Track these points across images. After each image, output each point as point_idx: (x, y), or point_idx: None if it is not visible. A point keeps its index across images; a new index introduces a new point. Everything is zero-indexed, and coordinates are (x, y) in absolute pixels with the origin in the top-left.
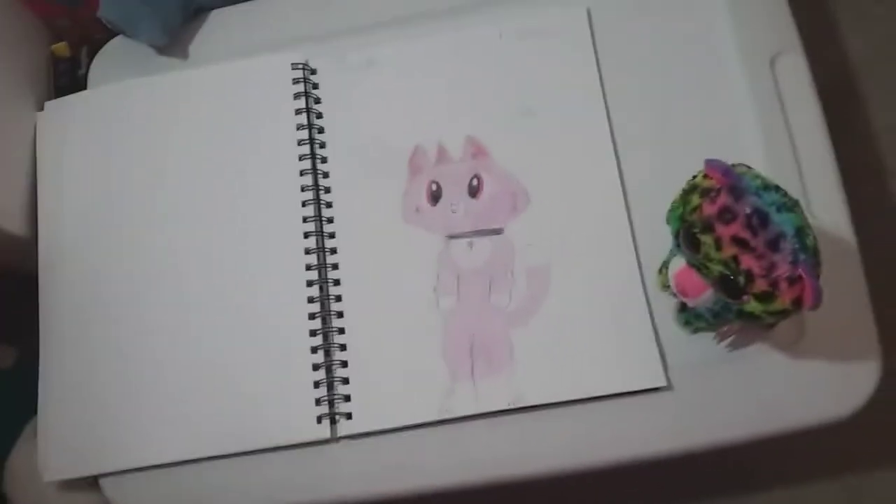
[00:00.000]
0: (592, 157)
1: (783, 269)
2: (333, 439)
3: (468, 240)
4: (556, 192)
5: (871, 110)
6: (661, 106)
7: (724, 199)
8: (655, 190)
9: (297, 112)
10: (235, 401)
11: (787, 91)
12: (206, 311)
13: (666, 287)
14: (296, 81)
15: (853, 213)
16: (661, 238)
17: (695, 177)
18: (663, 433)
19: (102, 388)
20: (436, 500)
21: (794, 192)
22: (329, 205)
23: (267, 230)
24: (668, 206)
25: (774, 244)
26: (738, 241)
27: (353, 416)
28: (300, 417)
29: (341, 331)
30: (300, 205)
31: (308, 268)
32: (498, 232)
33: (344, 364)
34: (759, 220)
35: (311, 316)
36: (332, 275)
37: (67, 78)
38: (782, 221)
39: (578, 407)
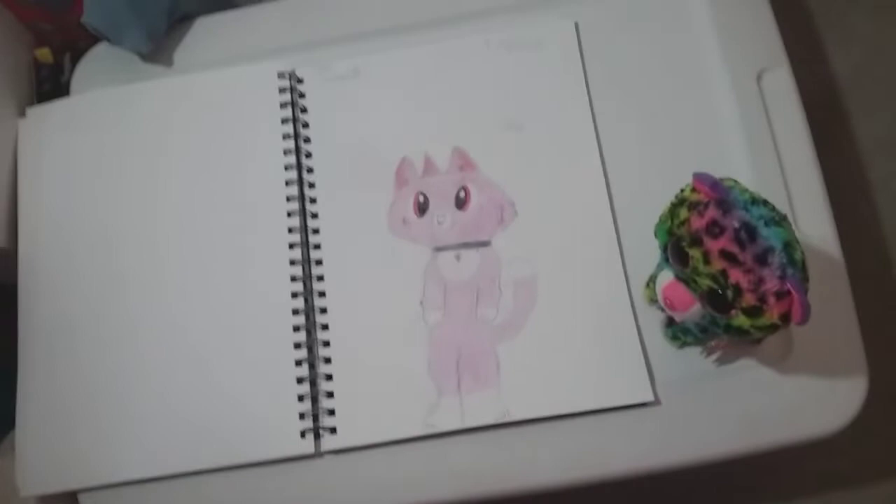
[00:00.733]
0: (580, 170)
1: (771, 284)
2: (317, 454)
3: (455, 252)
4: (544, 205)
5: (857, 126)
6: (648, 120)
7: (712, 212)
8: (643, 204)
9: (284, 121)
10: (218, 414)
11: (773, 106)
12: (188, 323)
13: (653, 301)
14: (282, 90)
15: (839, 228)
16: (648, 252)
17: (683, 190)
18: (650, 449)
19: (82, 401)
20: None
21: (780, 206)
22: (315, 215)
23: (252, 241)
24: (655, 219)
25: (762, 258)
26: (727, 255)
27: (338, 430)
28: (284, 432)
29: (326, 343)
30: (286, 215)
31: (293, 279)
32: (485, 244)
33: (329, 377)
34: (748, 234)
35: (296, 328)
36: (317, 286)
37: (50, 84)
38: (770, 236)
39: (565, 422)
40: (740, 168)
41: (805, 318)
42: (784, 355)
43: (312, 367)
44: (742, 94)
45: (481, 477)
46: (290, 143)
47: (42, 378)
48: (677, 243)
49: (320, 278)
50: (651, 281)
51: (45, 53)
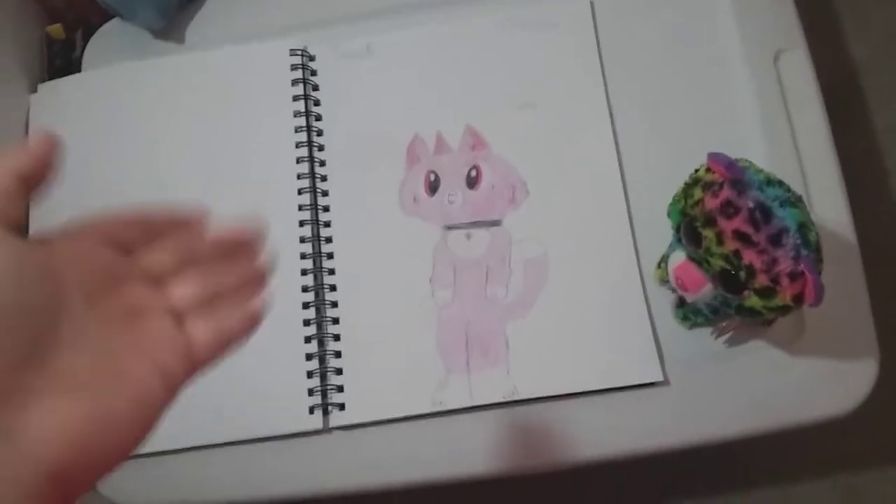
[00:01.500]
0: (593, 150)
1: (785, 265)
2: (326, 430)
3: (466, 231)
4: (556, 185)
5: (873, 109)
6: (663, 100)
7: (726, 193)
8: (656, 184)
9: (295, 98)
10: (229, 391)
11: (790, 87)
12: None
13: (664, 281)
14: (294, 68)
15: (853, 210)
16: (660, 232)
17: (697, 170)
18: (659, 428)
19: None
20: (429, 493)
21: (795, 188)
22: (325, 193)
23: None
24: (668, 200)
25: (777, 239)
26: (740, 236)
27: (346, 406)
28: (293, 407)
29: (335, 321)
30: (296, 192)
31: (303, 256)
32: (496, 223)
33: (338, 354)
34: (762, 214)
35: (306, 305)
36: (327, 264)
37: (62, 60)
38: (785, 217)
39: (574, 401)
40: (755, 149)
41: (818, 299)
42: (796, 336)
43: (321, 343)
44: (759, 75)
45: (489, 454)
46: (302, 121)
47: None
48: (690, 223)
49: (330, 256)
50: (662, 261)
51: (57, 29)
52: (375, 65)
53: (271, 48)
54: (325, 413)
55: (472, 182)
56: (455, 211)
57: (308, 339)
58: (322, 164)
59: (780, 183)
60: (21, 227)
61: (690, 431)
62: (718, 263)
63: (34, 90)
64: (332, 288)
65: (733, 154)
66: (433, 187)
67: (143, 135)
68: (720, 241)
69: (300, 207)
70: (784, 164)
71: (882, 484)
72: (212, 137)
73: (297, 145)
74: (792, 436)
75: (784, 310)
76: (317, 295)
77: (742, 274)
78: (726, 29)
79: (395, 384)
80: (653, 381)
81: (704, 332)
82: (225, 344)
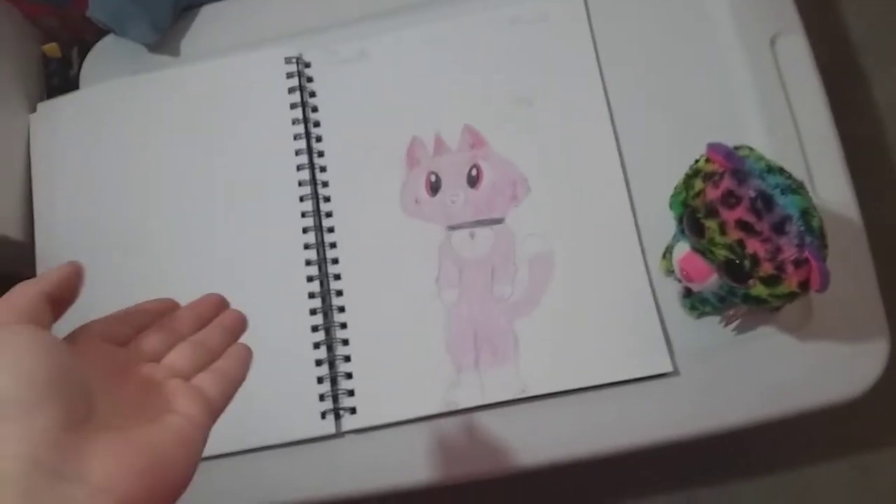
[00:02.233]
0: (592, 143)
1: (789, 252)
2: (338, 434)
3: (469, 230)
4: (557, 180)
5: (873, 86)
6: (661, 90)
7: (727, 182)
8: (657, 175)
9: (293, 106)
10: (239, 399)
11: (788, 71)
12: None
13: (670, 272)
14: (290, 76)
15: (857, 191)
16: (664, 223)
17: (697, 161)
18: (671, 419)
19: None
20: (444, 493)
21: (797, 172)
22: (328, 199)
23: (265, 227)
24: (670, 191)
25: (780, 227)
26: (743, 225)
27: (358, 410)
28: (304, 413)
29: (343, 325)
30: (298, 200)
31: (308, 263)
32: (499, 221)
33: (347, 359)
34: (764, 203)
35: (313, 311)
36: (332, 269)
37: (59, 78)
38: (787, 204)
39: (585, 395)
40: (756, 135)
41: (824, 285)
42: (804, 321)
43: (330, 348)
44: (756, 60)
45: (503, 452)
46: (300, 128)
47: None
48: (693, 214)
49: (335, 261)
50: (667, 252)
51: (53, 48)
52: (371, 69)
53: (266, 57)
54: (337, 417)
55: (473, 181)
56: (457, 211)
57: (317, 345)
58: (323, 170)
59: (782, 170)
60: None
61: (703, 420)
62: (722, 253)
63: (33, 110)
64: (339, 293)
65: (733, 141)
66: (434, 188)
67: (144, 148)
68: (723, 232)
69: (303, 214)
70: (785, 148)
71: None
72: (211, 148)
73: (297, 153)
74: (807, 417)
75: (790, 297)
76: (324, 301)
77: (746, 263)
78: (721, 15)
79: (405, 386)
80: (663, 372)
81: (712, 321)
82: (231, 387)
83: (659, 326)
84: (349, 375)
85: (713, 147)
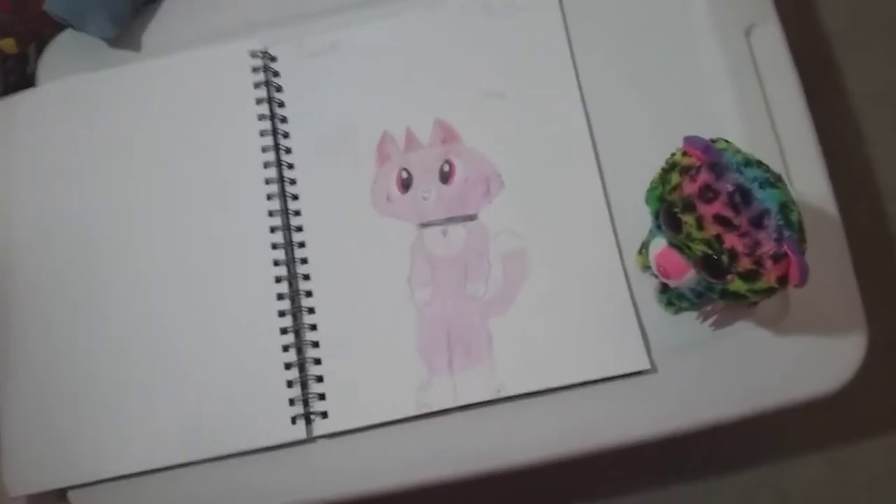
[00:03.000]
0: (566, 137)
1: (768, 247)
2: (310, 439)
3: (442, 227)
4: (531, 175)
5: (848, 78)
6: (635, 82)
7: (704, 176)
8: (633, 169)
9: (259, 102)
10: (206, 405)
11: (763, 62)
12: (171, 312)
13: (646, 268)
14: (255, 70)
15: (833, 182)
16: (639, 218)
17: (673, 154)
18: (649, 416)
19: (67, 397)
20: (419, 496)
21: (774, 166)
22: (295, 197)
23: (231, 226)
24: (646, 185)
25: (758, 221)
26: (721, 220)
27: (329, 414)
28: (274, 419)
29: (313, 327)
30: (265, 198)
31: (276, 263)
32: (472, 218)
33: (317, 361)
34: (742, 197)
35: (281, 313)
36: (301, 269)
37: (16, 76)
38: (765, 198)
39: (562, 394)
40: (732, 127)
41: (803, 280)
42: (781, 316)
43: (300, 351)
44: (731, 51)
45: (478, 454)
46: (267, 124)
47: (25, 376)
48: (669, 209)
49: (304, 261)
50: (643, 247)
51: (9, 44)
52: (339, 62)
53: (230, 50)
54: (308, 422)
55: (445, 177)
56: (430, 207)
57: (286, 348)
58: (290, 167)
59: (759, 163)
60: None
61: (682, 418)
62: (700, 249)
63: None
64: (308, 294)
65: (710, 134)
66: (406, 185)
67: (104, 146)
68: (700, 227)
69: (270, 213)
70: (761, 140)
71: (871, 457)
72: (175, 145)
73: (264, 149)
74: (784, 412)
75: (769, 292)
76: (292, 302)
77: (724, 258)
78: (696, 5)
79: (377, 388)
80: (640, 369)
81: (690, 317)
82: None
83: (636, 323)
84: (319, 379)
85: (690, 140)
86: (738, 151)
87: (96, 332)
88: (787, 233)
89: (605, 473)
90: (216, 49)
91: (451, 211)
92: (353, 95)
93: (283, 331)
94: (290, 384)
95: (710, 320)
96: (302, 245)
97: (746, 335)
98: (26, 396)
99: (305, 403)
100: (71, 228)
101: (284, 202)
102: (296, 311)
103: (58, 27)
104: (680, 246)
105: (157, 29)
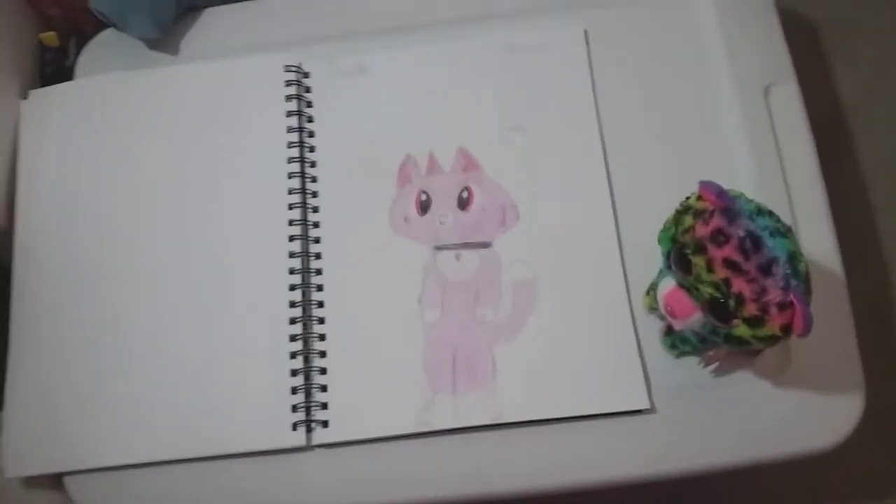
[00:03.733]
0: (583, 175)
1: (774, 295)
2: (308, 447)
3: (455, 251)
4: (546, 209)
5: (860, 145)
6: (654, 128)
7: (717, 221)
8: (646, 211)
9: (289, 114)
10: (208, 403)
11: (780, 120)
12: (182, 309)
13: (653, 309)
14: (288, 84)
15: (840, 243)
16: (649, 259)
17: (688, 198)
18: (645, 457)
19: (72, 384)
20: None
21: (783, 219)
22: (316, 209)
23: (250, 231)
24: (657, 227)
25: (766, 269)
26: (730, 264)
27: (330, 424)
28: (275, 423)
29: (322, 337)
30: (286, 208)
31: (291, 271)
32: (486, 245)
33: (323, 371)
34: (752, 243)
35: (293, 320)
36: (315, 280)
37: (54, 68)
38: (775, 246)
39: (560, 426)
40: (745, 180)
41: (807, 329)
42: (782, 368)
43: (307, 359)
44: (749, 108)
45: (473, 477)
46: (295, 136)
47: (31, 361)
48: (681, 250)
49: (318, 272)
50: (651, 289)
51: (50, 37)
52: (369, 84)
53: (266, 62)
54: (309, 430)
55: (463, 203)
56: (446, 231)
57: (294, 355)
58: (314, 180)
59: (771, 213)
60: None
61: (677, 460)
62: (708, 291)
63: (25, 97)
64: (320, 304)
65: (723, 185)
66: (424, 207)
67: (133, 143)
68: (710, 269)
69: (290, 222)
70: (773, 195)
71: None
72: (203, 149)
73: (290, 160)
74: (777, 467)
75: (772, 340)
76: (304, 310)
77: (731, 302)
78: (717, 61)
79: (380, 403)
80: (639, 408)
81: (692, 361)
82: None
83: (638, 362)
84: (324, 388)
85: (705, 185)
86: (751, 200)
87: (108, 325)
88: (793, 282)
89: None
90: (252, 59)
91: (466, 237)
92: (379, 117)
93: (293, 338)
94: (294, 390)
95: (712, 367)
96: (318, 256)
97: (746, 384)
98: (31, 381)
99: (307, 411)
100: (91, 221)
101: (305, 213)
102: (306, 320)
103: (100, 25)
104: (689, 287)
105: (197, 35)
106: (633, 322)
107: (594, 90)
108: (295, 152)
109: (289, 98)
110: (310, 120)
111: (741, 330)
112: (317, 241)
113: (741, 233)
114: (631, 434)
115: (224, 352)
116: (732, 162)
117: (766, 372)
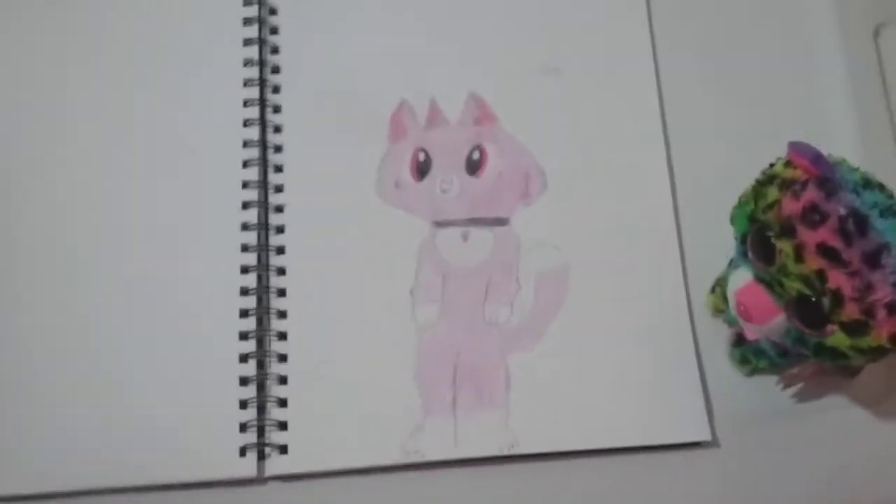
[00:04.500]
0: (633, 133)
1: (883, 293)
2: (259, 479)
3: (462, 229)
4: (582, 177)
5: None
6: (728, 76)
7: (811, 194)
8: (715, 183)
9: (246, 43)
10: (139, 421)
11: (892, 69)
12: (107, 303)
13: (719, 311)
14: (246, 3)
15: None
16: (717, 247)
17: (773, 164)
18: (703, 502)
19: None
20: None
21: None
22: (279, 168)
23: (192, 196)
24: (729, 203)
25: (874, 258)
26: (827, 252)
27: (290, 449)
28: (218, 447)
29: (282, 336)
30: (241, 165)
31: (244, 248)
32: (502, 222)
33: (283, 380)
34: (857, 225)
35: (244, 313)
36: (275, 261)
37: None
38: (887, 229)
39: (591, 461)
40: (846, 144)
41: None
42: (887, 394)
43: (262, 365)
44: (854, 53)
45: None
46: (253, 72)
47: None
48: (761, 232)
49: (281, 250)
50: (718, 285)
51: None
52: (355, 7)
53: None
54: (262, 457)
55: (473, 167)
56: (449, 203)
57: (244, 358)
58: (277, 130)
59: (882, 186)
60: None
61: None
62: (795, 287)
63: None
64: (281, 293)
65: (820, 148)
66: (422, 170)
67: (54, 78)
68: (799, 258)
69: (245, 185)
70: (883, 162)
71: None
72: (136, 86)
73: (246, 103)
74: None
75: (877, 353)
76: (260, 301)
77: (826, 302)
78: None
79: (356, 424)
80: (698, 440)
81: (768, 381)
82: None
83: (698, 381)
84: (283, 403)
85: (797, 147)
86: (856, 169)
87: (18, 330)
88: None
89: None
90: None
91: (476, 211)
92: (368, 51)
93: (244, 336)
94: (243, 405)
95: (794, 388)
96: (281, 230)
97: (839, 413)
98: None
99: (260, 432)
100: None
101: (264, 172)
102: (262, 314)
103: None
104: (770, 281)
105: None
106: (693, 328)
107: (651, 22)
108: (253, 92)
109: (247, 21)
110: (274, 50)
111: (837, 338)
112: (279, 209)
113: (842, 210)
114: (685, 473)
115: (157, 354)
116: (832, 120)
117: (866, 397)
